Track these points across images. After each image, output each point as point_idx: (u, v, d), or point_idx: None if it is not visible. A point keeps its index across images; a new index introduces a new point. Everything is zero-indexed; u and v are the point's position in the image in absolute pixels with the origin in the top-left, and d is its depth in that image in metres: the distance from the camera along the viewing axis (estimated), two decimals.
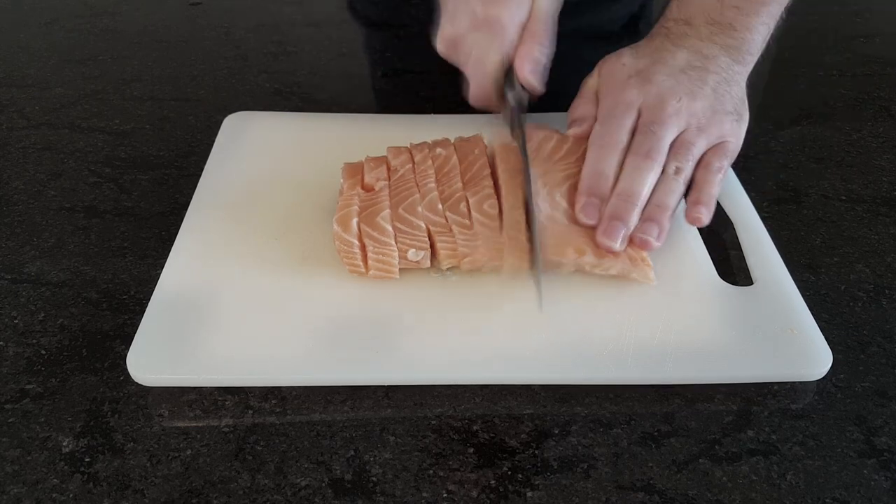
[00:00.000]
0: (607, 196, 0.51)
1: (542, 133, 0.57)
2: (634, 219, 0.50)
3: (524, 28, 0.55)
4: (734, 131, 0.55)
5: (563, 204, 0.52)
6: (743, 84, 0.56)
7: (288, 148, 0.63)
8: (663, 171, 0.52)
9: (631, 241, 0.50)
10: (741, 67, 0.56)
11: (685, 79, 0.54)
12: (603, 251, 0.49)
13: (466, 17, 0.55)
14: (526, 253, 0.49)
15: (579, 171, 0.53)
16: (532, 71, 0.54)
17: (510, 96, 0.56)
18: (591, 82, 0.59)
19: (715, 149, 0.54)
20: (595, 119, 0.56)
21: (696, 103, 0.53)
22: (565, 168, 0.54)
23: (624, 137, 0.53)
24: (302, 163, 0.60)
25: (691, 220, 0.52)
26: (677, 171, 0.52)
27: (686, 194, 0.53)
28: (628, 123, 0.53)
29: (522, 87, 0.55)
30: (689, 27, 0.57)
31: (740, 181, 0.59)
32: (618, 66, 0.57)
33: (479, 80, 0.56)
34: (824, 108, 0.74)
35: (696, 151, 0.53)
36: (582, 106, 0.58)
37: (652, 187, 0.52)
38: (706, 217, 0.52)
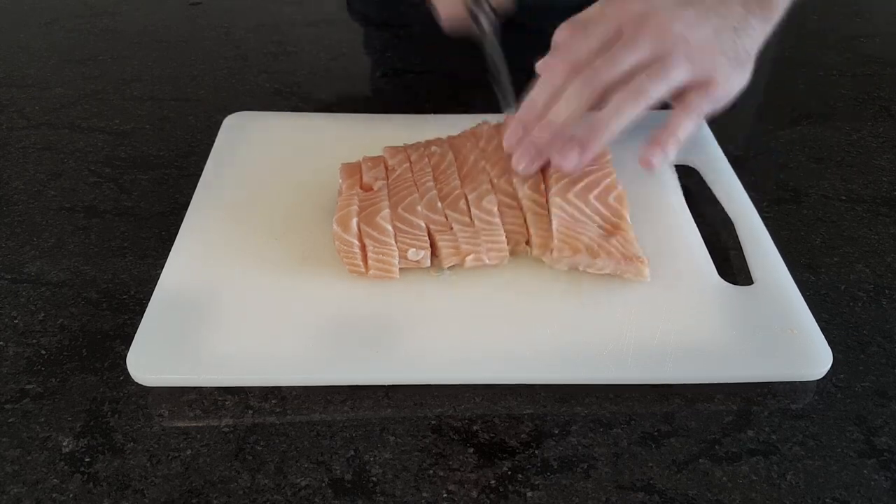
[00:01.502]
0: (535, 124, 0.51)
1: (507, 122, 0.57)
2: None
3: None
4: (726, 76, 0.50)
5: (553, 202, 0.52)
6: (756, 39, 0.52)
7: (288, 148, 0.63)
8: (624, 85, 0.48)
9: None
10: (758, 22, 0.52)
11: (689, 10, 0.49)
12: (596, 251, 0.49)
13: None
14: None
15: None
16: None
17: (483, 21, 0.58)
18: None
19: (699, 87, 0.50)
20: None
21: (690, 31, 0.49)
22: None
23: (582, 56, 0.49)
24: (302, 163, 0.60)
25: (641, 160, 0.49)
26: (638, 90, 0.48)
27: None
28: (593, 42, 0.49)
29: (491, 7, 0.57)
30: None
31: (740, 181, 0.59)
32: None
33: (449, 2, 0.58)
34: (824, 108, 0.74)
35: (674, 76, 0.48)
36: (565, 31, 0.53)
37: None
38: (657, 161, 0.48)
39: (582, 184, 0.53)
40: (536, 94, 0.52)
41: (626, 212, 0.52)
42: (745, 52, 0.51)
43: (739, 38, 0.51)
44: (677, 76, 0.49)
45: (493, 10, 0.57)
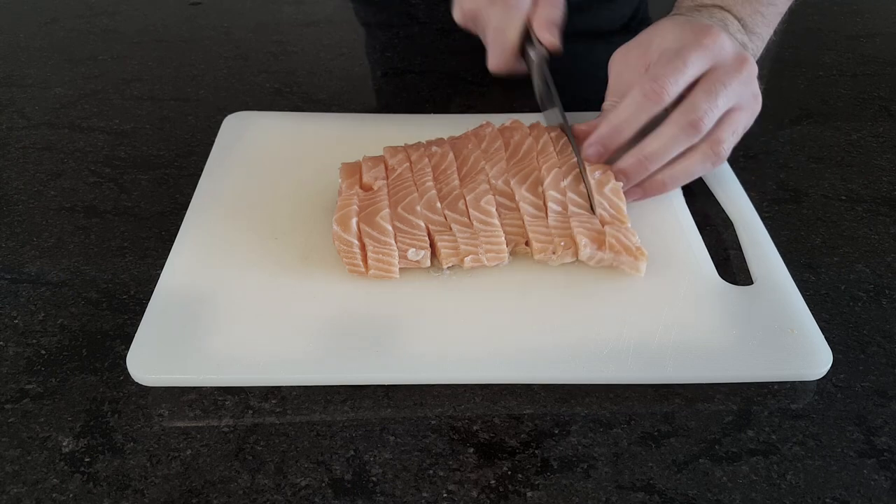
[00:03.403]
0: (616, 150, 0.53)
1: (511, 125, 0.58)
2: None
3: None
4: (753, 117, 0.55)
5: (555, 195, 0.53)
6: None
7: (288, 148, 0.63)
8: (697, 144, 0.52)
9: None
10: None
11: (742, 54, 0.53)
12: (596, 238, 0.50)
13: None
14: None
15: (557, 163, 0.54)
16: (551, 33, 0.58)
17: (532, 54, 0.60)
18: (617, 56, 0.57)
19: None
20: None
21: (758, 102, 0.54)
22: (546, 160, 0.55)
23: (673, 93, 0.51)
24: (302, 163, 0.60)
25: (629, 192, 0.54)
26: (714, 154, 0.52)
27: None
28: (682, 80, 0.51)
29: (542, 44, 0.59)
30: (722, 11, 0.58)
31: (740, 181, 0.59)
32: (658, 32, 0.55)
33: (500, 48, 0.60)
34: (824, 108, 0.74)
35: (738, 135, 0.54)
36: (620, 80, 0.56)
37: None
38: (632, 197, 0.54)
39: (573, 174, 0.54)
40: (630, 116, 0.53)
41: (623, 204, 0.52)
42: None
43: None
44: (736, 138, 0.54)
45: (542, 44, 0.60)
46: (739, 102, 0.52)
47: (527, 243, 0.51)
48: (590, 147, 0.54)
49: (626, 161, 0.53)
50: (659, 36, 0.55)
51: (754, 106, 0.54)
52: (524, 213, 0.52)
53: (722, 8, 0.58)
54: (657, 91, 0.50)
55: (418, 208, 0.52)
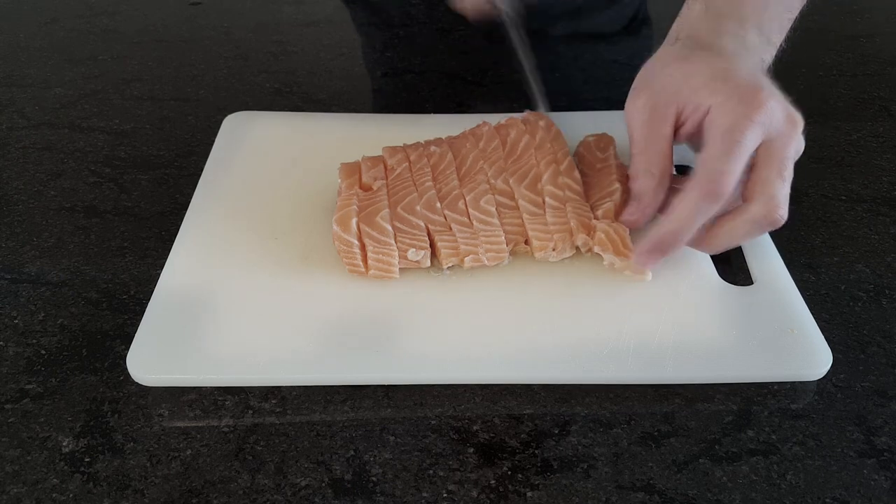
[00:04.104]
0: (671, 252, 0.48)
1: (507, 123, 0.58)
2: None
3: None
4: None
5: (552, 190, 0.53)
6: None
7: (288, 148, 0.63)
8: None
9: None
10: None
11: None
12: (588, 225, 0.50)
13: None
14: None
15: (554, 157, 0.54)
16: None
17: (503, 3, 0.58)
18: (639, 104, 0.49)
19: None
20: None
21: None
22: (544, 156, 0.55)
23: (732, 185, 0.45)
24: (302, 163, 0.60)
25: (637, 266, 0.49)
26: (773, 219, 0.46)
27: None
28: (740, 169, 0.45)
29: None
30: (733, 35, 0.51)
31: None
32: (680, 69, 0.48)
33: None
34: (824, 108, 0.74)
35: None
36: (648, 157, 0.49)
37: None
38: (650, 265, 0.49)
39: (567, 160, 0.54)
40: (689, 218, 0.46)
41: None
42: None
43: None
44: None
45: None
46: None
47: (526, 242, 0.51)
48: (644, 255, 0.48)
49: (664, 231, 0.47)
50: (687, 79, 0.48)
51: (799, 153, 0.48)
52: (523, 212, 0.52)
53: (741, 21, 0.51)
54: (717, 192, 0.45)
55: (418, 208, 0.52)
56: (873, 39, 0.87)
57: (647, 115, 0.49)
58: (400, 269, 0.49)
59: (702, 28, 0.51)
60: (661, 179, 0.49)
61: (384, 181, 0.54)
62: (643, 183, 0.49)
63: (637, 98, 0.50)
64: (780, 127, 0.46)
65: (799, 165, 0.64)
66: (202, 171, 0.60)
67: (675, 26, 0.53)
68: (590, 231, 0.50)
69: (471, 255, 0.49)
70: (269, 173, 0.60)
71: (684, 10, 0.54)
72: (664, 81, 0.49)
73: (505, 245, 0.50)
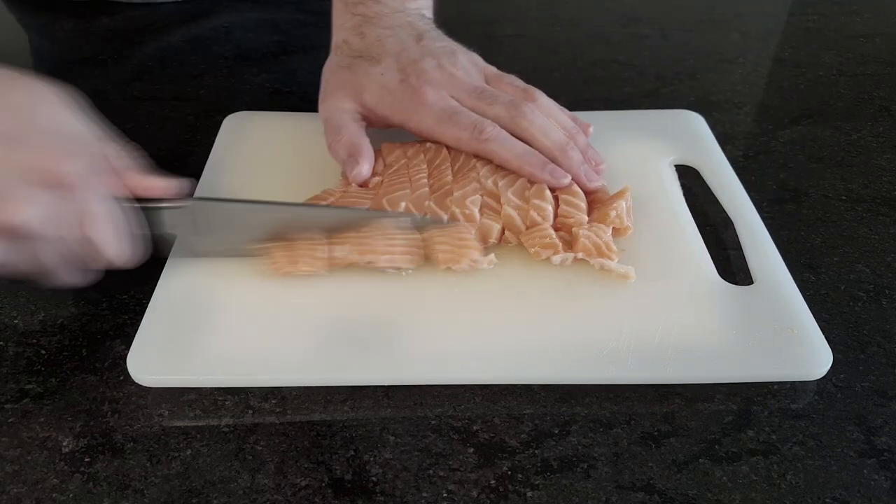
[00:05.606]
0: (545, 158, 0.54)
1: (397, 149, 0.57)
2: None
3: None
4: None
5: (539, 204, 0.52)
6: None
7: (288, 148, 0.63)
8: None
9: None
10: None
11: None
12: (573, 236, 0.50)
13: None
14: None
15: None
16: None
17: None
18: (348, 106, 0.57)
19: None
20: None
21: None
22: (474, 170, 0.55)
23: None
24: (302, 163, 0.60)
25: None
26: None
27: None
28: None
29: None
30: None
31: (740, 181, 0.59)
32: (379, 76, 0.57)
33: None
34: (824, 108, 0.74)
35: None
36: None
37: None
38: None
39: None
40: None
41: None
42: None
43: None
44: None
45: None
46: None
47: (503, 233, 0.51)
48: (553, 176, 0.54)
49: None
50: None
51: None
52: (506, 216, 0.52)
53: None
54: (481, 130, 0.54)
55: (403, 205, 0.51)
56: (873, 39, 0.87)
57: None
58: (399, 269, 0.49)
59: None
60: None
61: (380, 178, 0.54)
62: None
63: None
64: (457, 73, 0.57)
65: (799, 165, 0.64)
66: (202, 171, 0.60)
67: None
68: (570, 246, 0.50)
69: (370, 256, 0.48)
70: (269, 173, 0.60)
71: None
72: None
73: (473, 243, 0.49)
